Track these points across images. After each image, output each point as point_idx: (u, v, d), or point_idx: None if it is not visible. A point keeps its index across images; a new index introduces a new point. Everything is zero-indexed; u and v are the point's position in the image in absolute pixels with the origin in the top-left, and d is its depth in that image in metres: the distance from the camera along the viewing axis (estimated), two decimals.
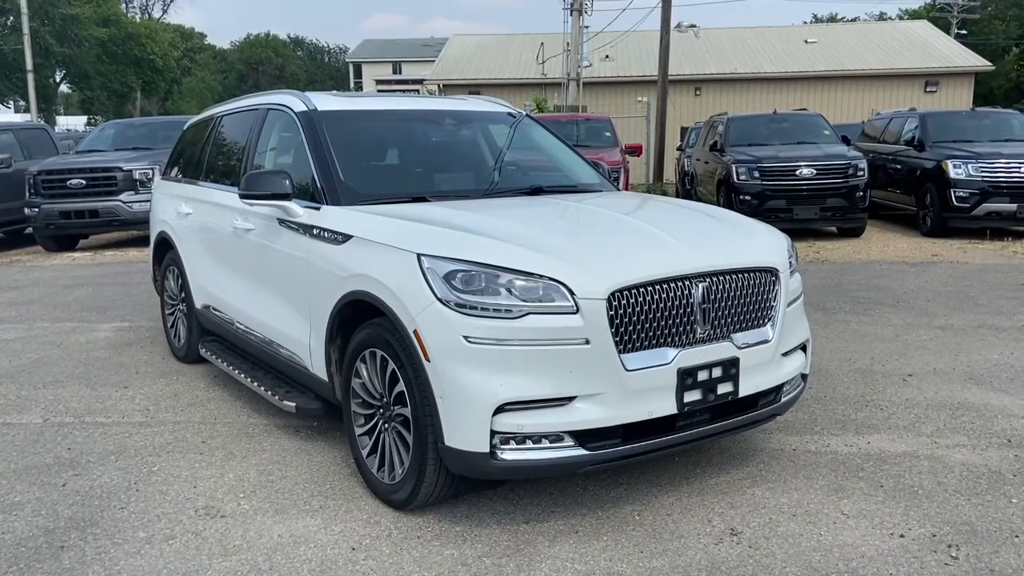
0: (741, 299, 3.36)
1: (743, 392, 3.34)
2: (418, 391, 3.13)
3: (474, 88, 28.81)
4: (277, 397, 4.18)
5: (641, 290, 3.09)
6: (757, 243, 3.63)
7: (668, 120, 21.96)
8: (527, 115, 5.12)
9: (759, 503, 3.46)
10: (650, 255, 3.25)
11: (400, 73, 69.04)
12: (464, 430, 3.00)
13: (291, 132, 4.39)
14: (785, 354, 3.61)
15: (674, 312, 3.15)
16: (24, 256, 11.98)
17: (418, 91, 41.02)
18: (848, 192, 11.47)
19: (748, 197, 11.59)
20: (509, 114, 5.04)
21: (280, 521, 3.35)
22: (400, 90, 48.40)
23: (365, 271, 3.39)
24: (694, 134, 18.59)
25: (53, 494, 3.64)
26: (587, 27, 26.60)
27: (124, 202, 11.60)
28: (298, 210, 3.95)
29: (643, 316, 3.09)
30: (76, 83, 45.67)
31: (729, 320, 3.32)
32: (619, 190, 4.85)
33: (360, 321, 3.51)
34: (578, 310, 2.98)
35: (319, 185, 3.95)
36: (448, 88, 29.13)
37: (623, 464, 3.38)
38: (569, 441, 3.05)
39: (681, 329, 3.18)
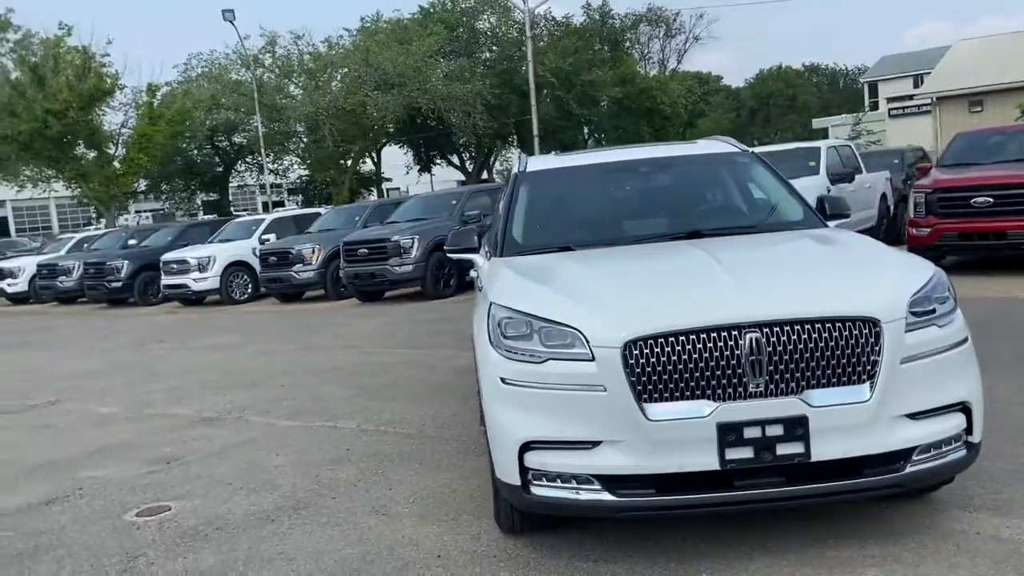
0: (818, 352, 3.02)
1: (821, 456, 3.00)
2: (486, 426, 3.51)
3: (975, 97, 25.57)
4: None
5: (668, 340, 3.03)
6: (856, 290, 3.17)
7: None
8: (752, 153, 4.93)
9: None
10: (691, 304, 3.15)
11: (920, 85, 63.07)
12: (503, 463, 3.31)
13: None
14: (917, 416, 3.09)
15: (712, 363, 3.01)
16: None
17: (903, 108, 37.41)
18: None
19: None
20: (727, 155, 4.93)
21: (413, 525, 3.98)
22: (914, 107, 44.25)
23: (475, 316, 3.87)
24: None
25: (305, 481, 4.79)
26: None
27: None
28: (479, 261, 4.57)
29: (671, 366, 3.02)
30: (596, 137, 52.04)
31: (799, 374, 3.02)
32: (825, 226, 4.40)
33: None
34: (594, 358, 3.07)
35: (497, 239, 4.51)
36: (942, 101, 26.26)
37: (665, 515, 3.33)
38: (597, 485, 3.13)
39: (724, 382, 3.01)
